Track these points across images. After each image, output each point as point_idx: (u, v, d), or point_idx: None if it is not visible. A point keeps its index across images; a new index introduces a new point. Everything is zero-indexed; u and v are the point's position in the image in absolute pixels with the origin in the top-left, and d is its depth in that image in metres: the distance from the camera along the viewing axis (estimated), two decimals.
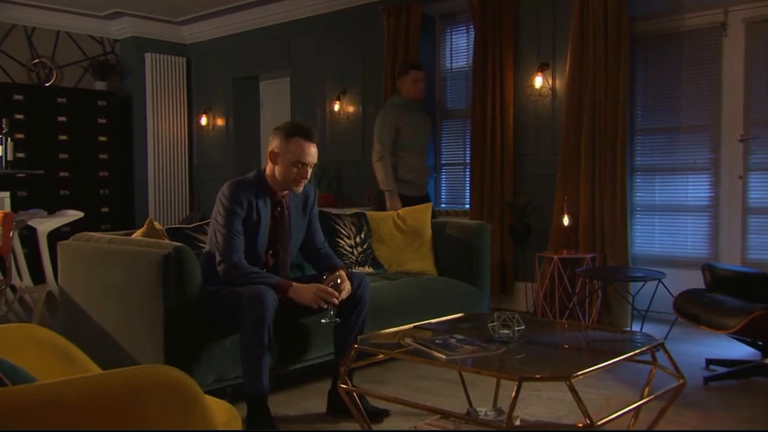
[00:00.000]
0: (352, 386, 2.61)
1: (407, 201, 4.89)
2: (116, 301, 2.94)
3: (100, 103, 7.61)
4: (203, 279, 2.90)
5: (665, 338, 4.10)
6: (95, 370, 1.84)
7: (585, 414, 2.07)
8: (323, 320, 2.94)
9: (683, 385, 2.48)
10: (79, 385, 1.36)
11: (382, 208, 4.94)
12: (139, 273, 2.81)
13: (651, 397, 2.40)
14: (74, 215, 4.87)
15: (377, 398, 2.87)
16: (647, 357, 2.60)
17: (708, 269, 3.79)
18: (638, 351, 2.44)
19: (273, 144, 3.04)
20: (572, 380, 2.07)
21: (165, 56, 7.90)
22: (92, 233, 3.21)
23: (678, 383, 2.48)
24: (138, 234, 3.20)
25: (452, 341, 2.50)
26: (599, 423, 2.10)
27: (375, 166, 5.03)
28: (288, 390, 3.41)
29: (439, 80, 6.20)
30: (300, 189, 3.08)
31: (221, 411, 1.75)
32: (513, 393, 2.07)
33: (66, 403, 1.29)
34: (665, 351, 2.54)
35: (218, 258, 2.95)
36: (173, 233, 3.37)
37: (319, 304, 2.91)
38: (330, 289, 2.91)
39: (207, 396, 1.79)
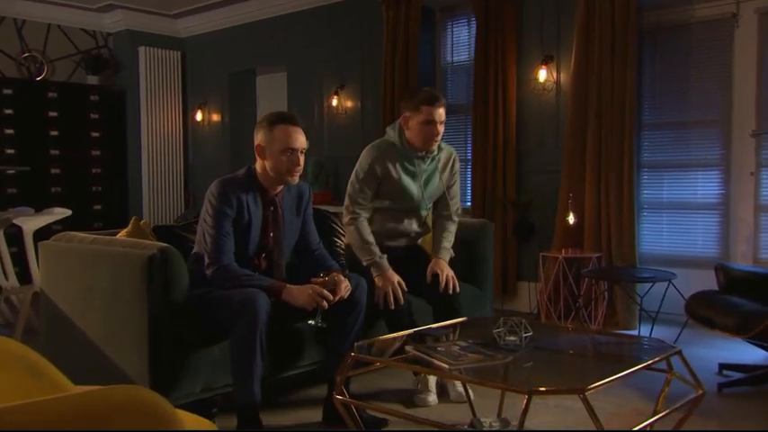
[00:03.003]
0: (349, 397, 2.46)
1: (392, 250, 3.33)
2: (99, 305, 2.77)
3: (92, 97, 7.44)
4: (191, 282, 2.73)
5: (675, 341, 3.95)
6: (68, 388, 1.67)
7: (600, 427, 1.92)
8: (309, 322, 2.78)
9: (703, 396, 2.32)
10: (37, 409, 1.21)
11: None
12: (123, 275, 2.65)
13: (667, 411, 2.23)
14: (61, 213, 4.70)
15: (374, 410, 2.71)
16: (662, 364, 2.44)
17: (721, 270, 3.63)
18: (654, 360, 2.28)
19: (258, 137, 2.89)
20: (586, 393, 1.91)
21: (160, 50, 7.73)
22: (74, 233, 3.04)
23: (697, 394, 2.32)
24: (122, 234, 3.04)
25: (455, 348, 2.35)
26: None
27: (349, 230, 3.30)
28: (281, 398, 3.26)
29: (439, 74, 6.04)
30: (296, 179, 2.92)
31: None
32: (523, 407, 1.91)
33: (19, 429, 1.14)
34: (683, 359, 2.38)
35: (206, 261, 2.79)
36: (161, 232, 3.21)
37: (314, 307, 2.75)
38: (326, 292, 2.75)
39: (186, 413, 1.64)
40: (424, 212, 3.43)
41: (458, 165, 3.49)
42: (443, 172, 3.41)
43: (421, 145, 3.26)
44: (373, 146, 3.34)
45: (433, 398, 3.14)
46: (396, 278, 3.13)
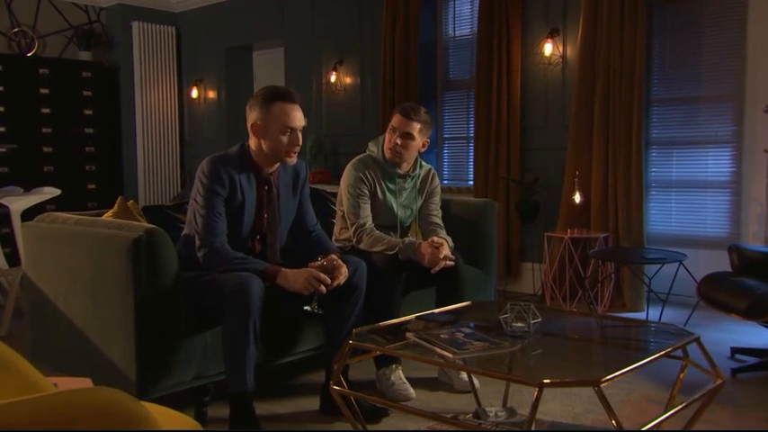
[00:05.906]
0: (347, 386, 2.33)
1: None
2: (83, 290, 2.63)
3: (85, 74, 7.26)
4: (181, 265, 2.59)
5: (684, 324, 3.82)
6: (40, 384, 1.54)
7: (616, 420, 1.79)
8: (305, 307, 2.63)
9: (722, 386, 2.19)
10: None
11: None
12: (107, 258, 2.51)
13: (683, 405, 2.09)
14: (50, 192, 4.55)
15: (373, 401, 2.58)
16: (677, 351, 2.31)
17: (735, 251, 3.49)
18: (671, 348, 2.15)
19: (253, 116, 2.73)
20: (601, 385, 1.78)
21: (154, 25, 7.55)
22: (57, 213, 2.89)
23: (716, 384, 2.19)
24: (108, 215, 2.89)
25: (459, 336, 2.21)
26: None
27: (364, 242, 3.11)
28: (277, 384, 3.13)
29: (441, 49, 5.86)
30: (294, 159, 2.77)
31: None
32: (533, 400, 1.78)
33: None
34: (700, 345, 2.25)
35: (197, 243, 2.64)
36: (150, 213, 3.07)
37: (311, 292, 2.61)
38: (323, 275, 2.61)
39: (162, 409, 1.51)
40: (403, 229, 3.31)
41: (437, 180, 3.40)
42: (422, 189, 3.35)
43: (387, 154, 3.20)
44: (357, 159, 3.27)
45: (411, 390, 2.97)
46: (430, 245, 3.01)
